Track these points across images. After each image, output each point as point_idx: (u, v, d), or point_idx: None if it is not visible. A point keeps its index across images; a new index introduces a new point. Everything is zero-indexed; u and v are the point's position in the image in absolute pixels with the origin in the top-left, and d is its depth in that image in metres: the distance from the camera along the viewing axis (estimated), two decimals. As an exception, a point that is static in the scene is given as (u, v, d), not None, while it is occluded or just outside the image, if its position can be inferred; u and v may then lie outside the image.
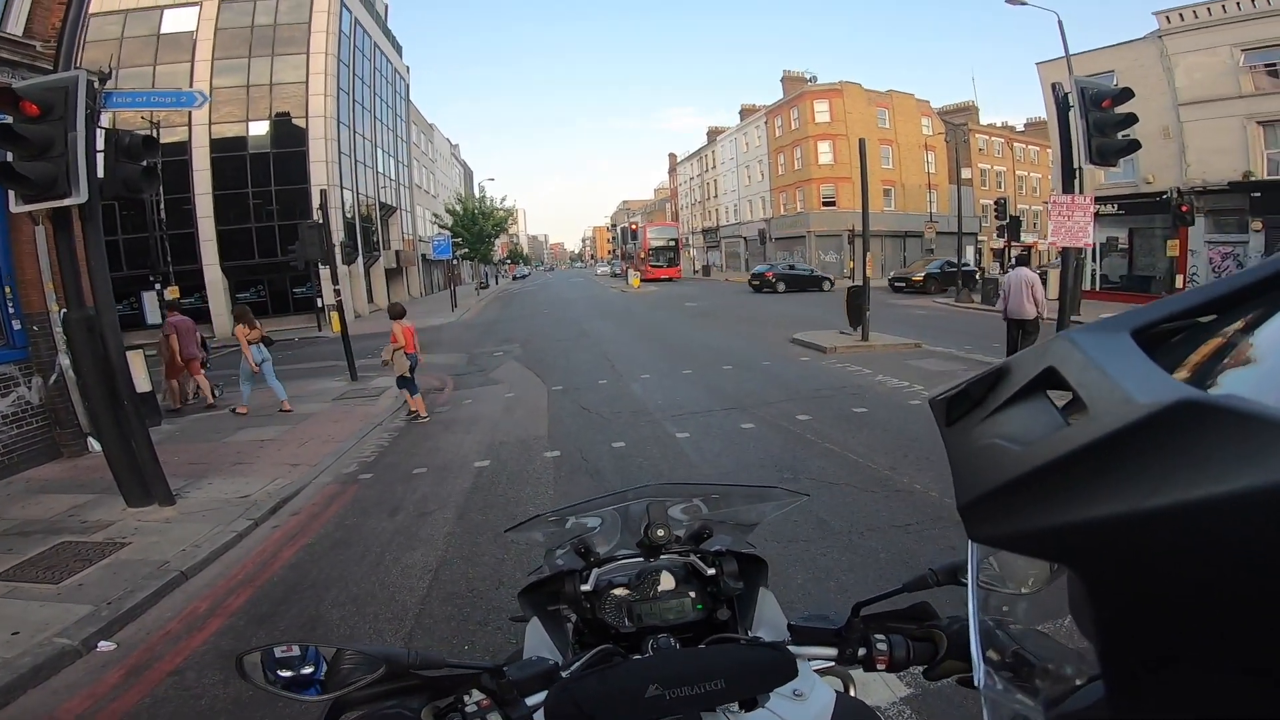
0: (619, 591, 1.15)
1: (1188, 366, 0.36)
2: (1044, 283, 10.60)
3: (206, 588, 4.33)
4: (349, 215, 29.83)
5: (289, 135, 28.02)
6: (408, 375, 8.66)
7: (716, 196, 59.13)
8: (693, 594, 1.16)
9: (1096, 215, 10.84)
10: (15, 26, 7.20)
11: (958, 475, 0.40)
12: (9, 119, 4.79)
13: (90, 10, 5.91)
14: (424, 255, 42.65)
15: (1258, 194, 18.08)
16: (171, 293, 18.42)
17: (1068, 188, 8.96)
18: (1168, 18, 19.87)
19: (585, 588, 1.14)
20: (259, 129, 27.99)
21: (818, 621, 1.06)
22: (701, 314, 21.14)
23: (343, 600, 3.99)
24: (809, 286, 30.49)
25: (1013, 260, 13.14)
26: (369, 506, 5.62)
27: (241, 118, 27.69)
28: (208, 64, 27.02)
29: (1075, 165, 8.40)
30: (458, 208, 43.02)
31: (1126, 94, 7.64)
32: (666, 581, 1.17)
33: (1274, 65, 18.40)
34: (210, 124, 26.61)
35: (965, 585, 0.61)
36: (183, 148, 26.11)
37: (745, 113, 52.99)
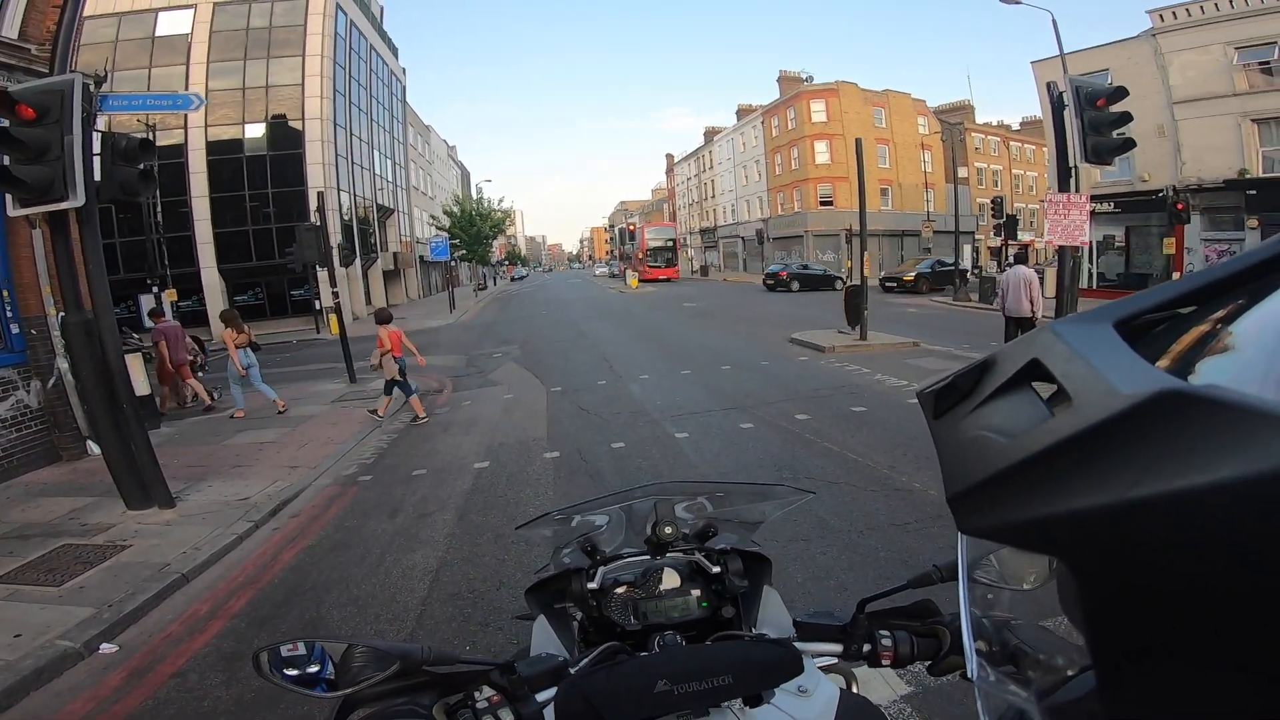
0: (625, 589, 1.16)
1: (1170, 357, 0.36)
2: (1041, 281, 10.63)
3: (207, 590, 4.33)
4: (346, 217, 29.77)
5: (285, 138, 27.97)
6: (399, 378, 8.65)
7: (714, 197, 59.15)
8: (698, 592, 1.17)
9: (1092, 214, 10.87)
10: (10, 30, 7.19)
11: (946, 467, 0.40)
12: (5, 122, 4.78)
13: (85, 13, 5.90)
14: (422, 257, 42.60)
15: (1253, 191, 18.14)
16: (169, 295, 18.42)
17: (1064, 186, 9.00)
18: (1161, 16, 19.93)
19: (591, 585, 1.15)
20: (255, 131, 27.92)
21: (823, 618, 1.07)
22: (700, 314, 21.15)
23: (344, 602, 4.00)
24: (820, 286, 30.58)
25: (1010, 259, 13.18)
26: (369, 508, 5.63)
27: (237, 120, 27.62)
28: (203, 67, 26.95)
29: (1071, 164, 8.46)
30: (455, 209, 42.95)
31: (1121, 93, 7.69)
32: (672, 579, 1.18)
33: (1267, 63, 18.47)
34: (206, 126, 26.55)
35: (973, 583, 0.62)
36: (179, 150, 26.02)
37: (742, 113, 53.00)
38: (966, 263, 32.80)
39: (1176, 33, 19.64)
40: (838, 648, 1.04)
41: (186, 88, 24.96)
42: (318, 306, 24.36)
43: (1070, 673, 0.46)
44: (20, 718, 3.12)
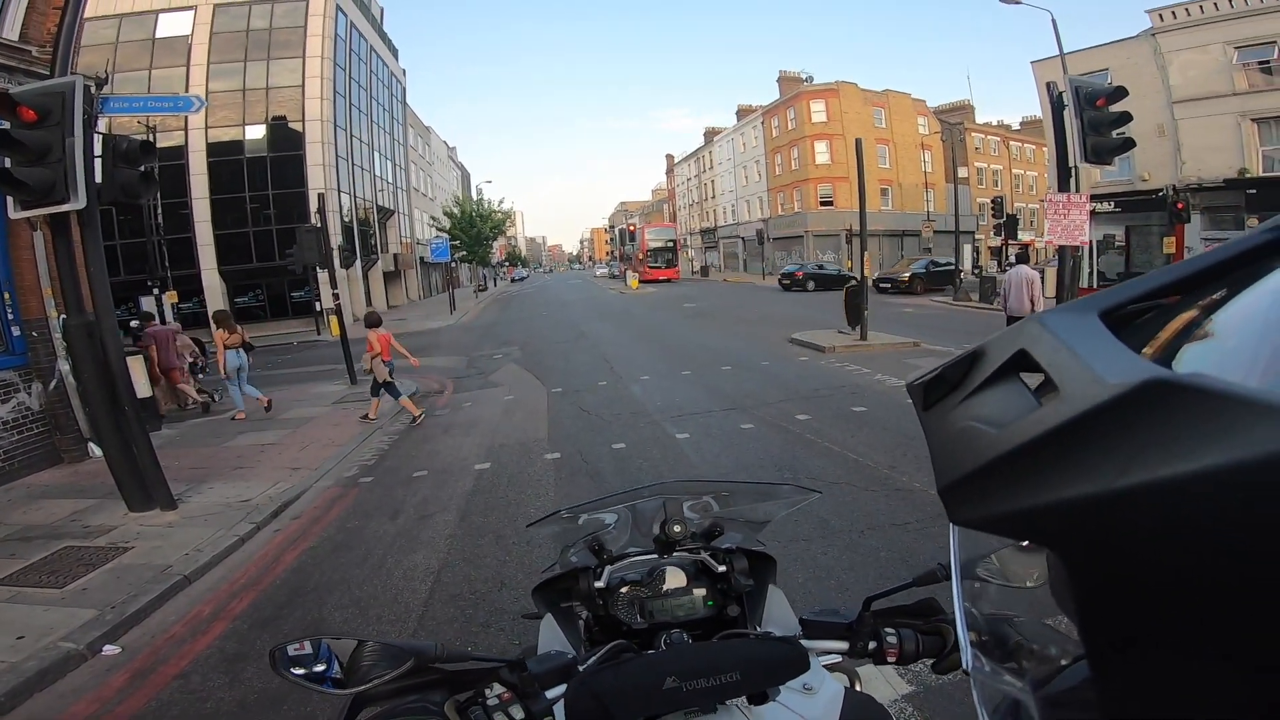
0: (631, 588, 1.17)
1: (1155, 346, 0.37)
2: (1042, 280, 10.62)
3: (209, 591, 4.34)
4: (347, 219, 29.81)
5: (285, 139, 28.01)
6: (389, 380, 8.68)
7: (714, 197, 59.17)
8: (704, 591, 1.18)
9: (1093, 213, 10.88)
10: (10, 31, 7.20)
11: (936, 459, 0.40)
12: (6, 124, 4.78)
13: (85, 15, 5.90)
14: (422, 258, 42.65)
15: (1253, 190, 18.16)
16: (170, 297, 18.43)
17: (1064, 186, 9.01)
18: (1160, 15, 19.94)
19: (598, 584, 1.16)
20: (255, 133, 27.97)
21: (829, 616, 1.08)
22: (700, 314, 21.15)
23: (345, 603, 4.00)
24: (835, 285, 30.60)
25: (1011, 258, 13.18)
26: (370, 510, 5.63)
27: (238, 122, 27.67)
28: (203, 68, 27.01)
29: (1071, 164, 8.47)
30: (455, 210, 42.98)
31: (1120, 92, 7.70)
32: (678, 578, 1.18)
33: (1267, 62, 18.48)
34: (206, 128, 26.60)
35: (975, 580, 0.62)
36: (179, 152, 26.07)
37: (742, 113, 53.02)
38: (967, 263, 32.85)
39: (1176, 32, 19.66)
40: (843, 645, 1.05)
41: (187, 89, 24.99)
42: (318, 308, 24.38)
43: (1064, 662, 0.46)
44: (24, 719, 3.13)
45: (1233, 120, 18.85)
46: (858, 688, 1.17)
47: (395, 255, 38.53)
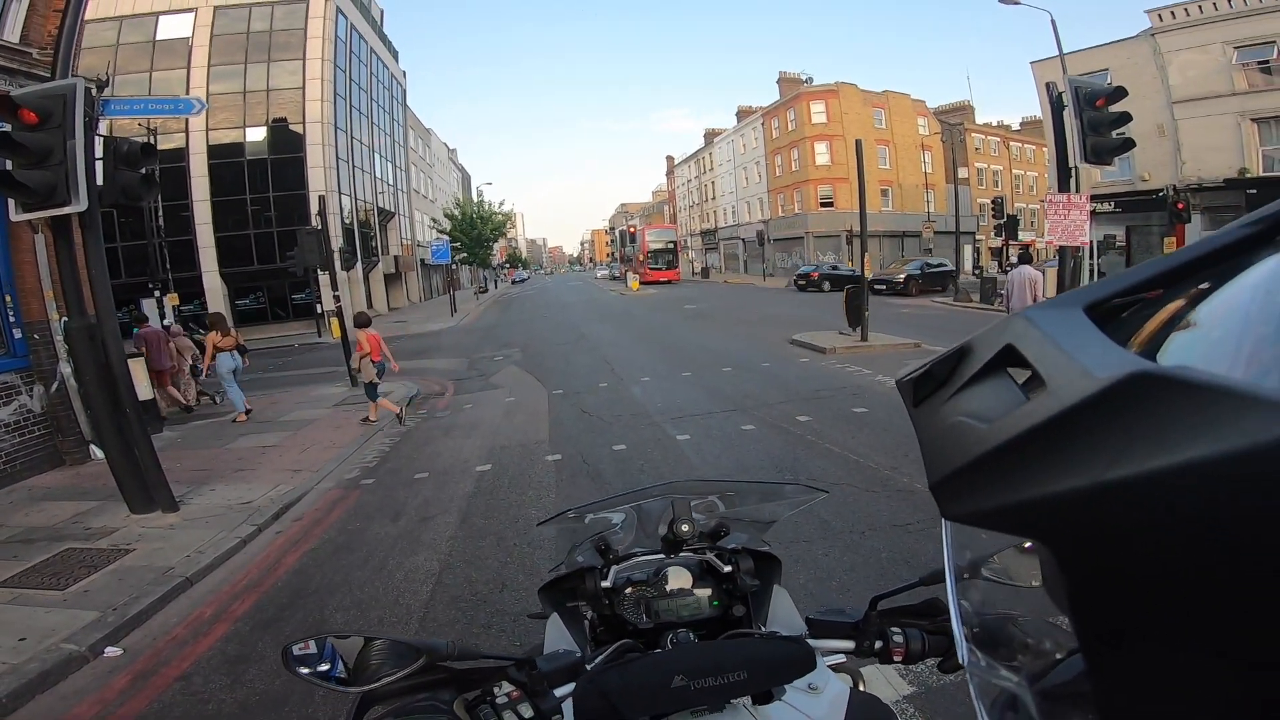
0: (637, 588, 1.17)
1: (1140, 340, 0.37)
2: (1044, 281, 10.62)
3: (211, 593, 4.34)
4: (347, 221, 29.84)
5: (286, 141, 28.05)
6: (376, 382, 8.68)
7: (714, 198, 59.20)
8: (709, 591, 1.18)
9: (1093, 213, 10.88)
10: (11, 34, 7.21)
11: (927, 455, 0.41)
12: (7, 127, 4.79)
13: (86, 17, 5.91)
14: (423, 260, 42.68)
15: (1253, 190, 18.15)
16: (171, 300, 18.46)
17: (1064, 186, 9.00)
18: (1159, 15, 19.96)
19: (605, 584, 1.16)
20: (256, 135, 28.02)
21: (835, 615, 1.08)
22: (700, 316, 21.15)
23: (347, 605, 4.01)
24: (847, 285, 30.65)
25: (1013, 259, 13.18)
26: (371, 511, 5.63)
27: (238, 124, 27.72)
28: (204, 70, 27.06)
29: (1071, 164, 8.46)
30: (456, 212, 43.02)
31: (1120, 93, 7.70)
32: (684, 578, 1.19)
33: (1266, 62, 18.48)
34: (207, 130, 26.65)
35: (979, 579, 0.63)
36: (180, 154, 26.12)
37: (742, 114, 53.06)
38: (967, 263, 32.87)
39: (1175, 32, 19.67)
40: (850, 645, 1.05)
41: (188, 91, 25.05)
42: (319, 310, 24.42)
43: (1059, 656, 0.46)
44: (25, 721, 3.14)
45: (1233, 120, 18.87)
46: (861, 688, 1.17)
47: (396, 257, 38.56)
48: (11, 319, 7.19)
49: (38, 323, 7.37)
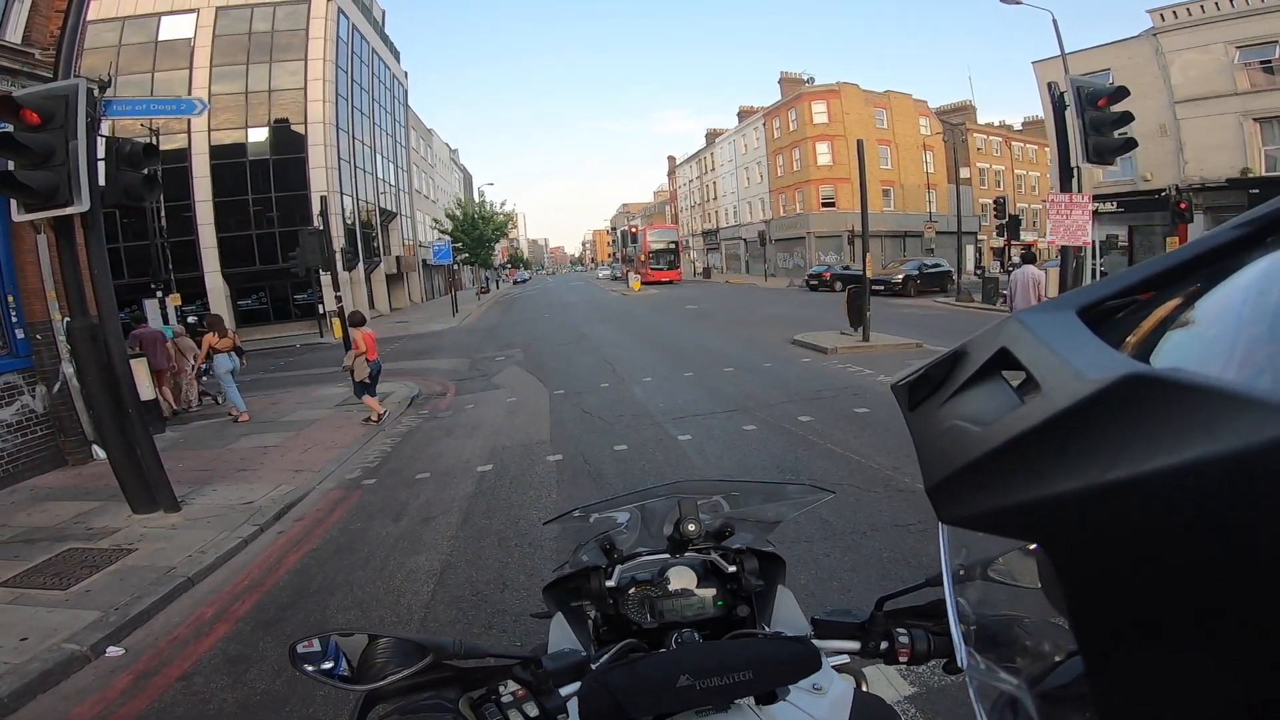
0: (642, 587, 1.17)
1: (1133, 342, 0.37)
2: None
3: (213, 593, 4.35)
4: (349, 221, 29.87)
5: (288, 141, 28.09)
6: (368, 381, 8.70)
7: (716, 199, 59.18)
8: (714, 591, 1.18)
9: (1095, 213, 10.86)
10: (14, 34, 7.23)
11: (923, 458, 0.41)
12: (10, 128, 4.80)
13: (88, 18, 5.93)
14: (424, 260, 42.69)
15: (1256, 190, 18.10)
16: (173, 300, 18.49)
17: (1066, 186, 8.99)
18: (1161, 15, 19.93)
19: (609, 583, 1.16)
20: (258, 135, 28.06)
21: (841, 615, 1.08)
22: (702, 316, 21.14)
23: (348, 605, 4.01)
24: (849, 286, 30.72)
25: (1016, 259, 13.16)
26: (373, 512, 5.64)
27: (240, 124, 27.76)
28: (206, 71, 27.10)
29: (1073, 164, 8.45)
30: (457, 212, 43.03)
31: (1122, 92, 7.69)
32: (688, 578, 1.19)
33: (1268, 62, 18.45)
34: (209, 131, 26.68)
35: (988, 580, 0.62)
36: (182, 155, 26.16)
37: (743, 114, 53.03)
38: (969, 263, 32.82)
39: (1177, 32, 19.64)
40: (855, 645, 1.05)
41: (190, 92, 25.08)
42: (321, 311, 24.43)
43: (1059, 658, 0.46)
44: (27, 721, 3.14)
45: (1235, 120, 18.83)
46: (864, 688, 1.17)
47: (398, 258, 38.61)
48: (14, 319, 7.20)
49: (40, 323, 7.39)
